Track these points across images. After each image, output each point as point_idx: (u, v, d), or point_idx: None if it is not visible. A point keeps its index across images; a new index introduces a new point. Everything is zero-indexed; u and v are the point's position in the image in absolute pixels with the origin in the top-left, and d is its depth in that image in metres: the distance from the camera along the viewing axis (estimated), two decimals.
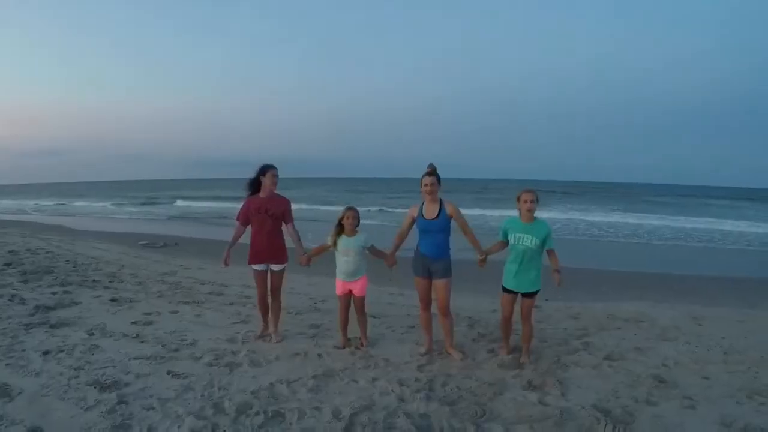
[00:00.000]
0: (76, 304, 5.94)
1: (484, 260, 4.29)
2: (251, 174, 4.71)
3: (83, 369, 3.91)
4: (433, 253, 4.29)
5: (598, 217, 25.46)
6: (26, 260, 9.17)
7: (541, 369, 4.09)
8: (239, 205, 4.80)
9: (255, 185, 4.70)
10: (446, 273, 4.31)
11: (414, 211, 4.40)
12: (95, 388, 3.56)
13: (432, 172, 4.27)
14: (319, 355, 4.35)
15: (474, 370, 4.07)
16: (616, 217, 25.12)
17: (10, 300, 5.99)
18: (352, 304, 4.64)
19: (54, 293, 6.46)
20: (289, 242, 4.77)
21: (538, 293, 4.30)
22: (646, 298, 7.13)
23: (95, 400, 3.38)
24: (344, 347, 4.58)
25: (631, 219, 24.22)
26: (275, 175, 4.65)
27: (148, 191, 63.78)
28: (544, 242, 4.12)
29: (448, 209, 4.27)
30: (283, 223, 4.73)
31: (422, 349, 4.50)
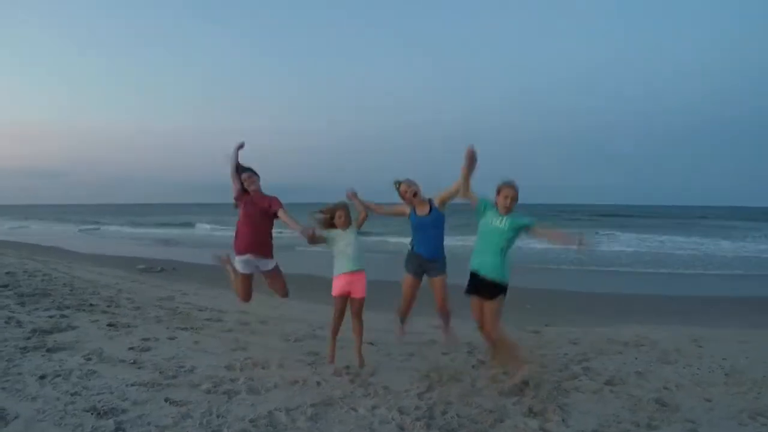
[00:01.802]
0: (73, 328, 5.89)
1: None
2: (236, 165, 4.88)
3: (80, 394, 3.87)
4: (428, 252, 4.33)
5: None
6: (23, 282, 9.11)
7: (541, 395, 4.05)
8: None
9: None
10: (442, 271, 4.33)
11: (406, 208, 4.44)
12: (92, 414, 3.52)
13: (401, 180, 4.38)
14: (318, 383, 4.29)
15: (474, 397, 4.03)
16: (613, 241, 25.23)
17: (6, 322, 5.94)
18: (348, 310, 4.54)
19: (51, 316, 6.41)
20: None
21: (504, 296, 4.00)
22: (645, 322, 7.12)
23: (92, 426, 3.33)
24: (333, 362, 4.58)
25: (624, 241, 24.33)
26: (252, 179, 4.79)
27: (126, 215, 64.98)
28: (517, 229, 3.89)
29: (437, 201, 4.32)
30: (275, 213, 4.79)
31: (397, 333, 4.63)
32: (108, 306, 7.38)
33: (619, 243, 23.64)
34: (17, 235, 28.68)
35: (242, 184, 4.83)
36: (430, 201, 4.37)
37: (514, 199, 3.86)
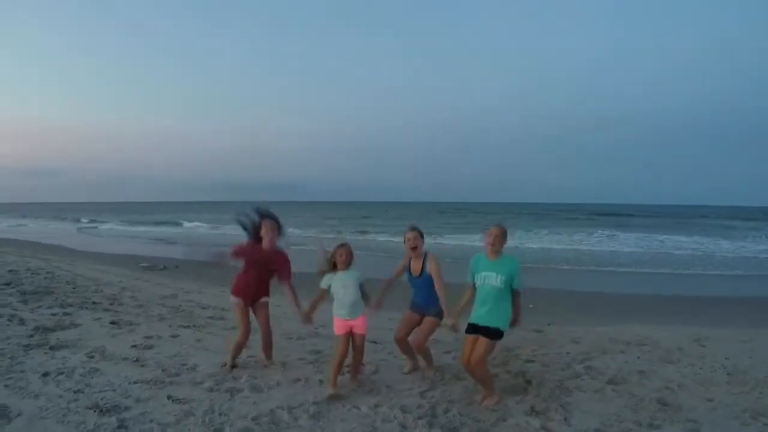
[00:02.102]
0: (76, 326, 5.90)
1: (456, 324, 4.09)
2: (250, 215, 4.59)
3: (83, 392, 3.88)
4: (425, 304, 4.49)
5: (594, 239, 25.55)
6: (26, 280, 9.13)
7: (543, 394, 4.05)
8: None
9: (255, 232, 4.56)
10: (436, 315, 4.41)
11: (405, 261, 4.62)
12: (95, 411, 3.53)
13: (414, 228, 4.51)
14: (321, 381, 4.30)
15: (476, 396, 4.03)
16: (607, 239, 25.22)
17: (9, 320, 5.96)
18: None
19: (54, 314, 6.43)
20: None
21: (498, 339, 3.89)
22: (647, 321, 7.11)
23: (95, 424, 3.35)
24: (335, 387, 4.01)
25: (624, 241, 24.30)
26: (271, 229, 4.49)
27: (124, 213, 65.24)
28: (511, 279, 3.88)
29: (429, 266, 4.41)
30: (278, 278, 4.57)
31: (405, 369, 4.67)
32: (111, 304, 7.40)
33: (619, 243, 23.62)
34: (16, 233, 28.74)
35: (256, 234, 4.53)
36: (424, 259, 4.47)
37: (498, 237, 3.91)
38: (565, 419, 3.60)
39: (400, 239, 4.66)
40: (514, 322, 4.01)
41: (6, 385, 3.95)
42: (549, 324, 6.73)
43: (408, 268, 4.58)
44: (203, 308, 7.44)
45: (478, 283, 3.97)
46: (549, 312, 7.85)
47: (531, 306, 8.12)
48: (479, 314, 3.91)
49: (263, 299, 4.66)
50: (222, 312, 7.17)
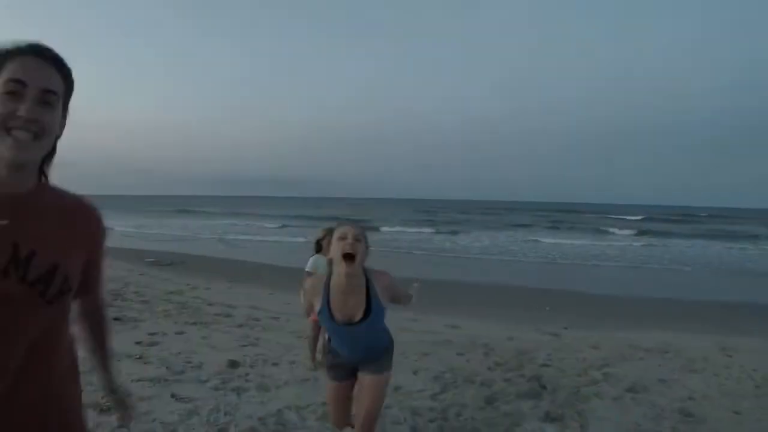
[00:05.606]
0: None
1: None
2: None
3: (83, 390, 3.78)
4: (363, 355, 2.58)
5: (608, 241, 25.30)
6: None
7: (559, 400, 3.92)
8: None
9: None
10: (383, 365, 2.59)
11: (315, 302, 2.45)
12: (95, 410, 3.43)
13: (352, 249, 2.25)
14: None
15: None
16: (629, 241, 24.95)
17: None
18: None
19: None
20: None
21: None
22: (670, 328, 6.94)
23: (95, 422, 3.24)
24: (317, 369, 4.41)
25: (648, 244, 24.05)
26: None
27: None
28: None
29: (380, 289, 2.39)
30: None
31: None
32: (114, 299, 7.31)
33: (641, 245, 23.40)
34: None
35: None
36: (368, 283, 2.38)
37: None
38: (582, 426, 3.47)
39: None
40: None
41: None
42: (566, 328, 6.60)
43: (327, 310, 2.37)
44: (210, 305, 7.39)
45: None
46: (566, 315, 7.73)
47: (548, 308, 8.01)
48: None
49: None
50: (229, 309, 7.12)
